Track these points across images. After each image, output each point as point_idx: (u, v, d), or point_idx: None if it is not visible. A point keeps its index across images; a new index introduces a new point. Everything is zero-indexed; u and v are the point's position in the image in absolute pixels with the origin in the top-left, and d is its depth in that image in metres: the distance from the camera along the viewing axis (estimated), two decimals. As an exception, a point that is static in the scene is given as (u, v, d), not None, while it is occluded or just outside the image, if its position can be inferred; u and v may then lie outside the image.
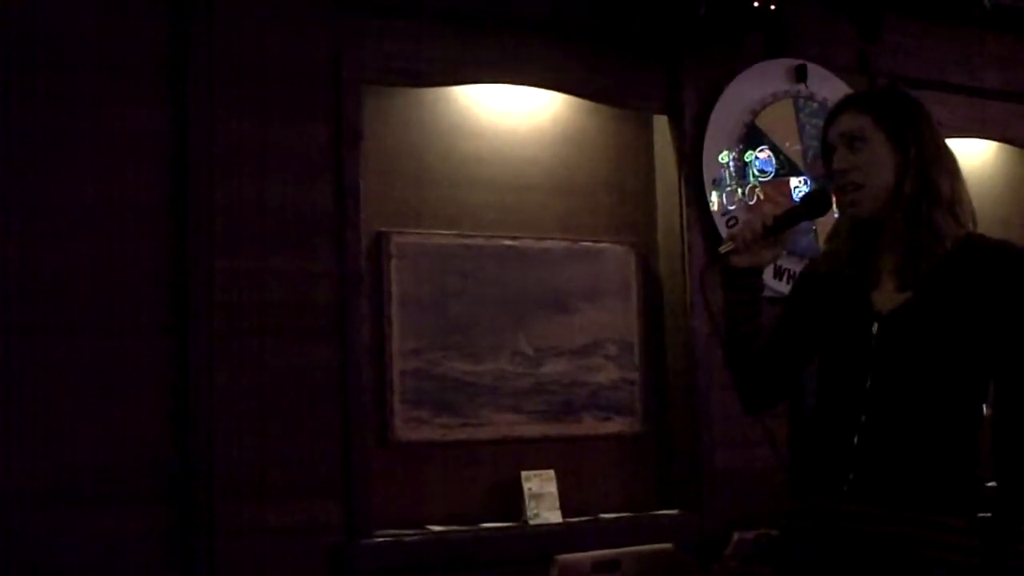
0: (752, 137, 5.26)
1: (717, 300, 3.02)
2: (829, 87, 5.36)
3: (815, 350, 2.90)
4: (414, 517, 4.64)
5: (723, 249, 2.95)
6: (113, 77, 4.15)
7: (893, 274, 2.76)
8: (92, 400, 4.01)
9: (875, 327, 2.73)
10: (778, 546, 2.95)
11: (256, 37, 4.37)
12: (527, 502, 4.78)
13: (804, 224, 5.03)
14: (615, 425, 5.11)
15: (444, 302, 4.83)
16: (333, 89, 4.47)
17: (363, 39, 4.54)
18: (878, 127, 2.78)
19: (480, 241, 4.93)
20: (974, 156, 5.88)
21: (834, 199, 2.88)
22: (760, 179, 5.24)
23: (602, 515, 4.94)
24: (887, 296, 2.75)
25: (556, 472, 4.87)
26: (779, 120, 5.35)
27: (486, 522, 4.73)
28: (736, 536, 4.78)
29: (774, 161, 5.30)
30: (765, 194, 5.22)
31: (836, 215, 2.96)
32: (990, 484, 2.69)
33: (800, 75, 5.39)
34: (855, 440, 2.69)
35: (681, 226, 5.14)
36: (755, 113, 5.29)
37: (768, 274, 4.32)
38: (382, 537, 4.42)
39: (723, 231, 5.04)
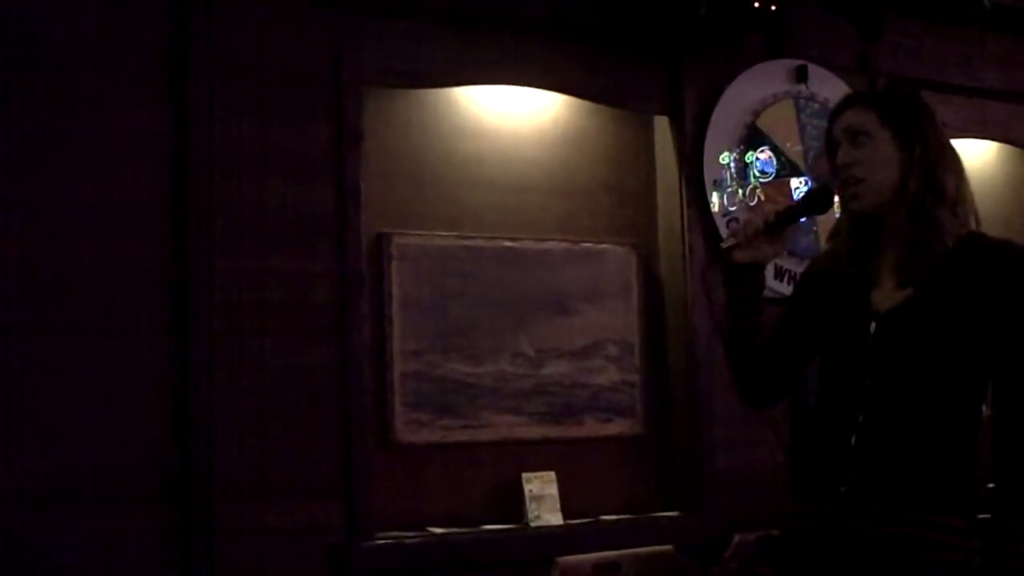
0: (753, 138, 5.26)
1: (719, 296, 3.01)
2: (830, 88, 5.35)
3: (815, 349, 2.89)
4: (415, 519, 4.63)
5: (725, 244, 2.95)
6: (113, 77, 4.15)
7: (893, 272, 2.76)
8: (92, 400, 4.01)
9: (873, 326, 2.72)
10: (779, 547, 2.95)
11: (256, 37, 4.36)
12: (528, 504, 4.77)
13: (805, 225, 5.12)
14: (616, 427, 5.10)
15: (445, 303, 4.83)
16: (334, 90, 4.47)
17: (363, 40, 4.54)
18: (883, 123, 2.77)
19: (481, 242, 4.93)
20: (975, 156, 5.88)
21: (837, 195, 2.87)
22: (761, 180, 5.24)
23: (603, 517, 4.93)
24: (886, 295, 2.75)
25: (557, 474, 4.86)
26: (780, 121, 5.34)
27: (487, 524, 4.72)
28: (737, 538, 4.77)
29: (775, 162, 5.29)
30: (766, 195, 5.21)
31: (838, 215, 2.95)
32: (990, 485, 2.68)
33: (801, 76, 5.39)
34: (853, 440, 2.69)
35: (682, 227, 5.14)
36: (756, 114, 5.28)
37: (769, 275, 4.33)
38: (383, 539, 4.41)
39: (724, 232, 5.03)
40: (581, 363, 5.04)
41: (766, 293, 3.01)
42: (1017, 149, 6.06)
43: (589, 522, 4.87)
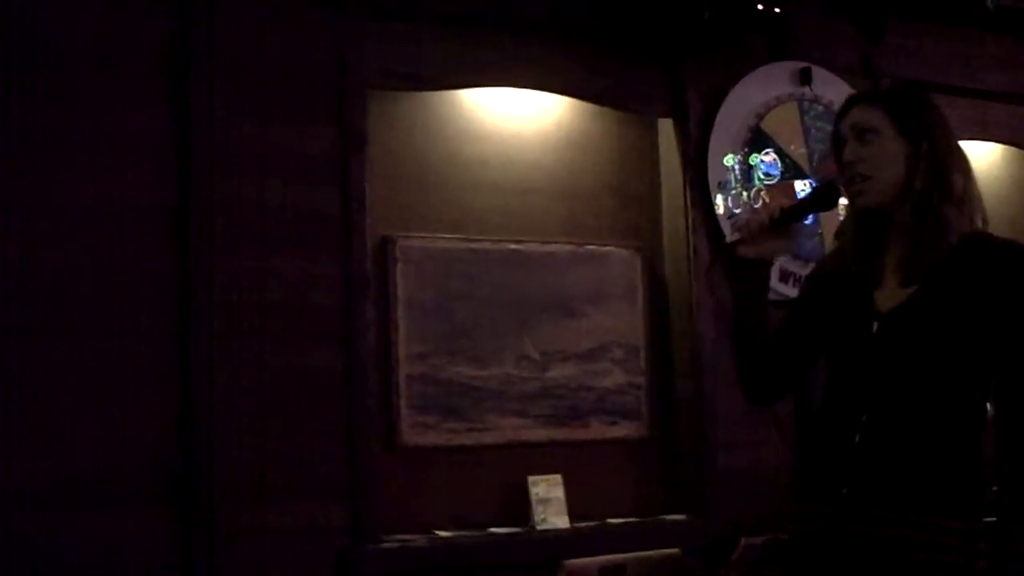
0: (757, 140, 5.25)
1: (725, 293, 3.00)
2: (833, 90, 5.34)
3: (820, 349, 2.88)
4: (420, 522, 4.62)
5: (731, 239, 2.94)
6: (115, 78, 4.15)
7: (897, 270, 2.75)
8: (94, 401, 4.00)
9: (875, 325, 2.70)
10: (785, 550, 2.93)
11: (258, 39, 4.37)
12: (534, 507, 4.76)
13: (810, 227, 5.12)
14: (621, 429, 5.08)
15: (449, 306, 4.82)
16: (337, 92, 4.47)
17: (366, 42, 4.54)
18: (889, 121, 2.76)
19: (485, 245, 4.92)
20: (978, 158, 5.83)
21: (843, 193, 2.86)
22: (765, 182, 5.23)
23: (609, 520, 4.91)
24: (889, 293, 2.73)
25: (563, 477, 4.84)
26: (784, 123, 5.34)
27: (493, 527, 4.71)
28: (743, 541, 4.76)
29: (779, 164, 5.28)
30: (770, 197, 5.20)
31: (842, 216, 2.94)
32: (995, 487, 2.66)
33: (804, 78, 5.38)
34: (856, 440, 2.67)
35: (686, 229, 5.13)
36: (760, 116, 5.28)
37: (774, 278, 4.31)
38: (388, 542, 4.40)
39: (728, 234, 5.02)
40: (586, 366, 5.03)
41: (771, 296, 3.00)
42: (1020, 151, 6.06)
43: (595, 525, 4.85)
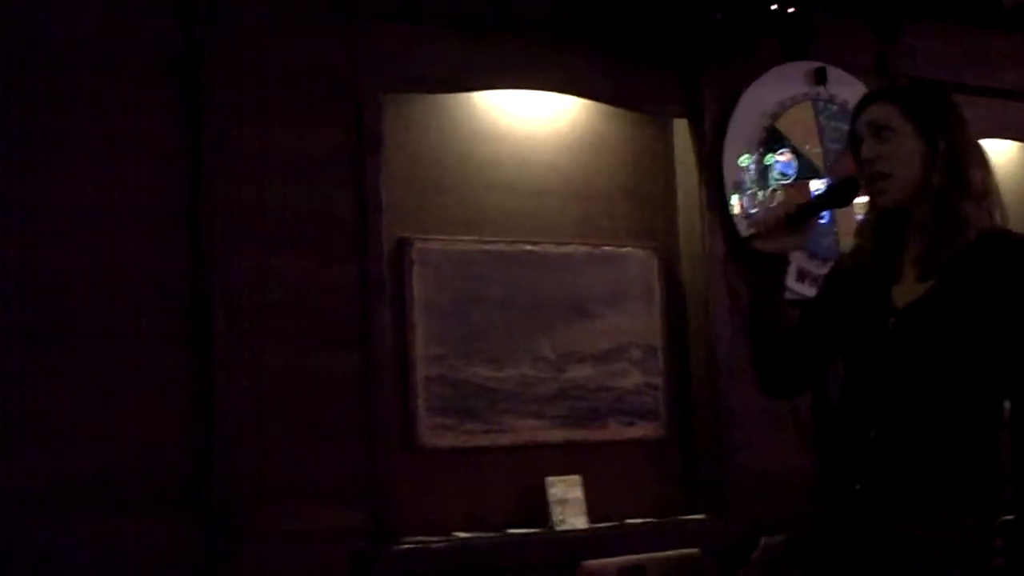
0: (772, 140, 5.25)
1: (742, 288, 3.01)
2: (848, 89, 5.34)
3: (837, 346, 2.88)
4: (438, 523, 4.61)
5: (747, 233, 2.95)
6: (126, 80, 4.15)
7: (915, 266, 2.74)
8: (104, 404, 4.00)
9: (892, 321, 2.70)
10: (803, 549, 2.93)
11: (271, 43, 4.37)
12: (552, 508, 4.76)
13: (825, 226, 5.11)
14: (639, 430, 5.08)
15: (466, 308, 4.83)
16: (352, 96, 4.48)
17: (379, 45, 4.54)
18: (906, 118, 2.75)
19: (501, 247, 4.93)
20: (996, 157, 5.81)
21: (860, 190, 2.86)
22: (781, 182, 5.22)
23: (627, 520, 4.91)
24: (907, 289, 2.73)
25: (581, 478, 4.85)
26: (799, 123, 5.34)
27: (511, 528, 4.71)
28: (763, 540, 4.75)
29: (794, 164, 5.28)
30: (786, 196, 5.19)
31: (858, 216, 2.94)
32: (1011, 486, 2.66)
33: (819, 78, 5.38)
34: (871, 437, 2.67)
35: (702, 230, 5.13)
36: (774, 116, 5.28)
37: (791, 277, 4.32)
38: (407, 544, 4.40)
39: (744, 233, 5.02)
40: (603, 366, 5.03)
41: (787, 295, 3.00)
42: (1039, 149, 6.05)
43: (614, 526, 4.85)
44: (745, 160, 5.18)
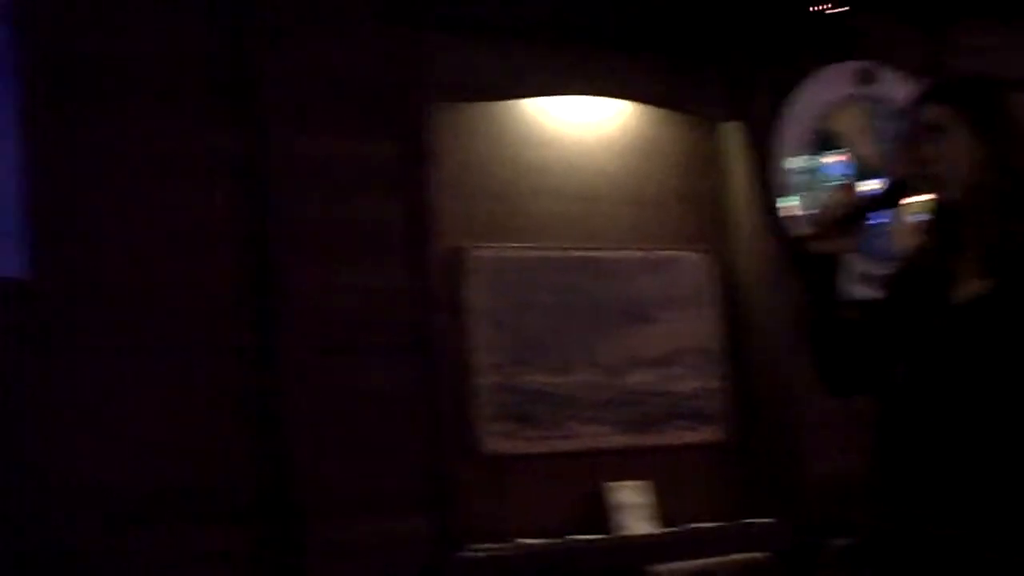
0: (823, 141, 5.24)
1: (798, 289, 3.01)
2: (898, 88, 5.29)
3: (898, 347, 2.87)
4: (502, 530, 4.61)
5: (800, 234, 2.95)
6: (182, 97, 4.16)
7: (974, 265, 2.73)
8: (178, 419, 4.01)
9: (949, 320, 2.70)
10: (867, 552, 2.93)
11: (324, 53, 4.39)
12: (615, 513, 4.75)
13: (879, 226, 5.07)
14: (700, 434, 5.08)
15: (522, 315, 4.83)
16: (402, 105, 4.49)
17: (430, 54, 4.55)
18: (960, 117, 2.74)
19: (556, 253, 4.93)
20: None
21: (913, 190, 2.86)
22: (832, 183, 5.21)
23: (691, 525, 4.90)
24: (965, 288, 2.71)
25: (644, 482, 4.85)
26: (849, 123, 5.32)
27: (574, 534, 4.70)
28: (829, 544, 4.73)
29: (845, 165, 5.27)
30: (838, 198, 5.17)
31: (913, 216, 2.93)
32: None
33: (869, 77, 5.36)
34: (928, 438, 2.66)
35: (755, 232, 5.12)
36: (825, 117, 5.27)
37: (846, 277, 4.31)
38: (473, 551, 4.40)
39: (797, 233, 5.01)
40: (661, 371, 5.03)
41: (842, 295, 3.00)
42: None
43: (677, 531, 4.84)
44: (796, 161, 5.18)
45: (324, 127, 4.37)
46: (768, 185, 5.13)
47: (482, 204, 4.87)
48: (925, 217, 2.90)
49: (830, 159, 5.24)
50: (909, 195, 2.87)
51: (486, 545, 4.47)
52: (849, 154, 5.28)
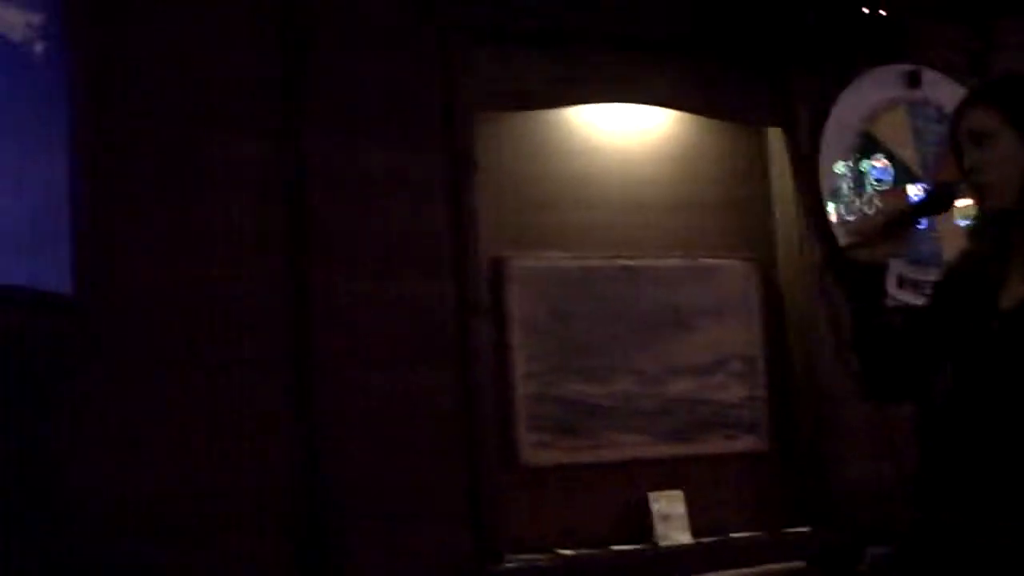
0: (867, 145, 5.19)
1: (840, 297, 2.98)
2: (944, 91, 5.25)
3: (944, 352, 2.83)
4: (542, 541, 4.61)
5: (844, 243, 2.92)
6: (225, 109, 4.19)
7: (1021, 269, 2.69)
8: (216, 428, 4.03)
9: (996, 325, 2.65)
10: (908, 560, 2.88)
11: (365, 66, 4.40)
12: (656, 523, 4.74)
13: (926, 231, 5.04)
14: (742, 443, 5.05)
15: (564, 324, 4.82)
16: (445, 115, 4.49)
17: (472, 64, 4.56)
18: (1006, 122, 2.70)
19: (598, 262, 4.92)
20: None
21: (959, 196, 2.82)
22: (877, 188, 5.16)
23: (732, 534, 4.87)
24: (1013, 292, 2.68)
25: (683, 492, 4.82)
26: (894, 127, 5.27)
27: (615, 544, 4.70)
28: (869, 551, 4.69)
29: (891, 169, 5.21)
30: (883, 202, 5.13)
31: (959, 221, 2.89)
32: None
33: (914, 80, 5.30)
34: (973, 445, 2.62)
35: (800, 238, 5.09)
36: (869, 121, 5.22)
37: (891, 283, 4.26)
38: (513, 562, 4.40)
39: (842, 241, 4.96)
40: (704, 380, 5.01)
41: (888, 301, 2.97)
42: None
43: (719, 540, 4.82)
44: (841, 167, 5.13)
45: (367, 138, 4.38)
46: (812, 191, 5.08)
47: (526, 214, 4.87)
48: (972, 222, 2.87)
49: (875, 163, 5.18)
50: (956, 201, 2.84)
51: (526, 556, 4.48)
52: (894, 158, 5.22)
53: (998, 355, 2.63)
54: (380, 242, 4.35)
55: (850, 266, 2.89)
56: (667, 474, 4.87)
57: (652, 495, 4.77)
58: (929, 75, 5.33)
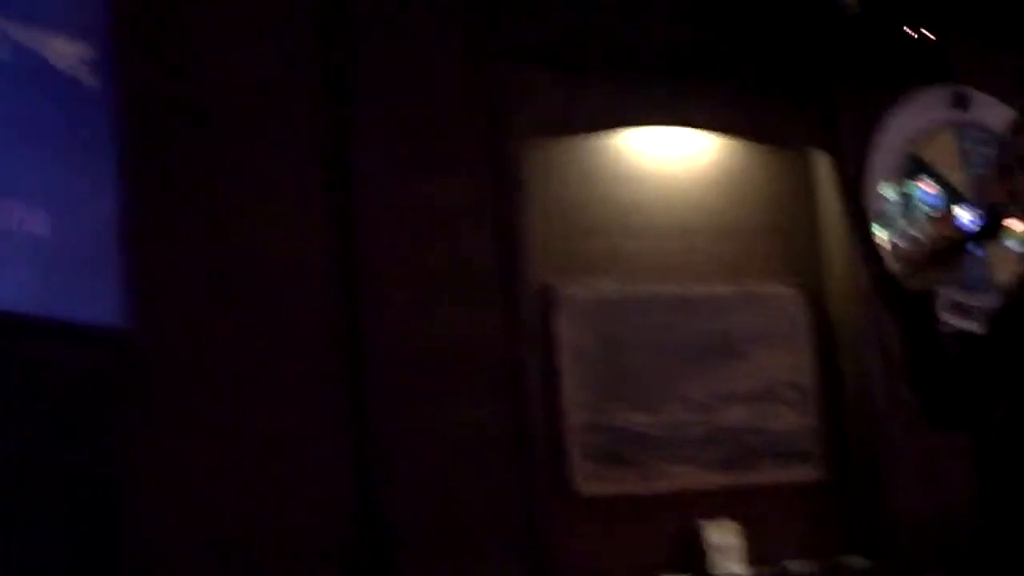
0: (914, 168, 5.16)
1: (893, 326, 2.95)
2: (991, 112, 5.22)
3: (1002, 380, 2.80)
4: (594, 571, 4.58)
5: (895, 271, 2.89)
6: (273, 133, 4.18)
7: (1079, 295, 2.66)
8: (270, 458, 4.01)
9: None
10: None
11: (415, 91, 4.39)
12: (709, 554, 4.69)
13: (976, 257, 4.98)
14: (794, 472, 5.00)
15: (614, 353, 4.79)
16: (495, 143, 4.48)
17: (521, 91, 4.55)
18: (1056, 144, 2.68)
19: (646, 289, 4.89)
20: None
21: (1011, 221, 2.79)
22: (925, 211, 5.12)
23: (786, 564, 4.82)
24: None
25: (736, 522, 4.79)
26: (941, 149, 5.24)
27: (668, 575, 4.65)
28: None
29: (938, 191, 5.18)
30: (932, 226, 5.07)
31: (1010, 244, 2.86)
32: None
33: (960, 102, 5.27)
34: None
35: (848, 264, 5.05)
36: (916, 143, 5.19)
37: (943, 309, 4.22)
38: (566, 594, 4.38)
39: (892, 266, 4.93)
40: (755, 408, 4.97)
41: (940, 327, 2.93)
42: None
43: (773, 570, 4.78)
44: (888, 190, 5.10)
45: (416, 165, 4.37)
46: (858, 215, 5.05)
47: (574, 241, 4.85)
48: (1024, 248, 2.84)
49: (923, 186, 5.15)
50: (1007, 225, 2.81)
51: (579, 587, 4.44)
52: (942, 181, 5.18)
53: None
54: (430, 270, 4.33)
55: (900, 293, 2.86)
56: (719, 503, 4.83)
57: (704, 524, 4.73)
58: (977, 97, 5.29)
